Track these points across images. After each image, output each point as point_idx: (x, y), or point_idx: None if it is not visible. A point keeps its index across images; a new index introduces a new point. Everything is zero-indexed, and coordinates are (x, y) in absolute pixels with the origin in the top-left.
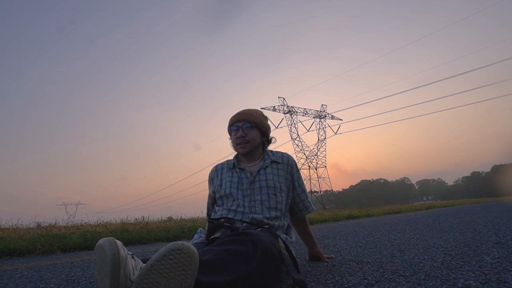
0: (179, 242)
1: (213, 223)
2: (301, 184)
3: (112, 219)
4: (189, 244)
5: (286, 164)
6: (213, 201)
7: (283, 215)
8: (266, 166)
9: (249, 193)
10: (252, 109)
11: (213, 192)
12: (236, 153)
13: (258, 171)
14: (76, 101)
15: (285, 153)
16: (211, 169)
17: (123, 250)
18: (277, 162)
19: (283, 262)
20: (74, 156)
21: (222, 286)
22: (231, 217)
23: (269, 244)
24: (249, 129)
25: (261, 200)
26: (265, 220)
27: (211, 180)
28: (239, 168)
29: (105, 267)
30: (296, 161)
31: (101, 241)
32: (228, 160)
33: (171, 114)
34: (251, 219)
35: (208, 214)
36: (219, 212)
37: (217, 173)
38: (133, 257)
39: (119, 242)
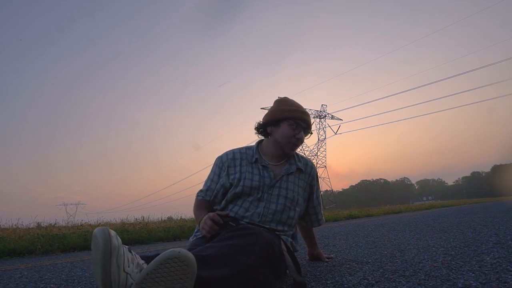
0: (176, 249)
1: (219, 224)
2: (318, 196)
3: (112, 219)
4: (186, 252)
5: (309, 174)
6: (223, 190)
7: (291, 227)
8: (291, 173)
9: (266, 198)
10: None
11: (230, 184)
12: (255, 144)
13: (281, 176)
14: (75, 101)
15: (310, 161)
16: (225, 152)
17: (116, 240)
18: (300, 171)
19: (284, 261)
20: (74, 156)
21: (222, 280)
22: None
23: (271, 241)
24: (307, 135)
25: (275, 210)
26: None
27: (227, 167)
28: (261, 165)
29: (97, 254)
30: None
31: (95, 230)
32: (246, 149)
33: (171, 114)
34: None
35: (208, 195)
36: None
37: (235, 163)
38: (130, 251)
39: (112, 232)
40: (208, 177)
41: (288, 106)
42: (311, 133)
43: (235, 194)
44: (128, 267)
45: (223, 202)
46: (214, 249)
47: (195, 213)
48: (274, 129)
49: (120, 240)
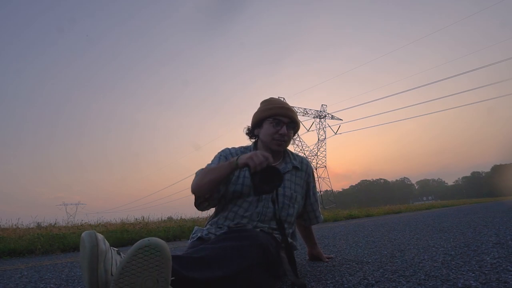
0: (146, 239)
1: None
2: (315, 193)
3: (112, 219)
4: (156, 239)
5: (305, 172)
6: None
7: (290, 224)
8: (287, 171)
9: (264, 198)
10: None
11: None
12: (252, 144)
13: None
14: (75, 101)
15: (305, 158)
16: (226, 148)
17: (104, 244)
18: (297, 168)
19: (281, 263)
20: (74, 156)
21: (216, 281)
22: (243, 222)
23: (267, 243)
24: (292, 129)
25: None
26: (270, 231)
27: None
28: None
29: (84, 259)
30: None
31: (83, 234)
32: (244, 148)
33: (171, 114)
34: (254, 227)
35: None
36: (225, 213)
37: None
38: (119, 253)
39: (100, 235)
40: (212, 162)
41: (268, 105)
42: (298, 126)
43: (235, 192)
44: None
45: (222, 201)
46: (208, 251)
47: (209, 170)
48: (259, 130)
49: (107, 243)
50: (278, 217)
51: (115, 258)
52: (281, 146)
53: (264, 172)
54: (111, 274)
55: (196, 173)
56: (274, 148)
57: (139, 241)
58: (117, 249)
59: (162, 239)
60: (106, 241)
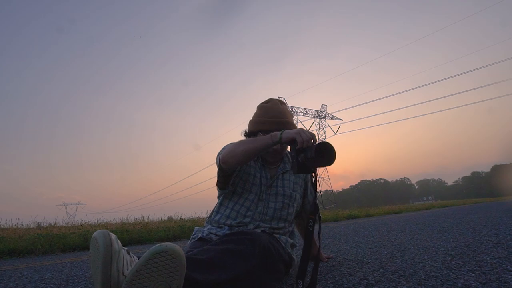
0: (163, 244)
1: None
2: (313, 192)
3: (112, 219)
4: (173, 245)
5: None
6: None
7: (290, 223)
8: (286, 171)
9: (265, 198)
10: (287, 109)
11: (238, 170)
12: None
13: (277, 176)
14: (75, 101)
15: None
16: (228, 144)
17: (117, 243)
18: None
19: (282, 263)
20: (74, 156)
21: (218, 284)
22: (244, 221)
23: (268, 245)
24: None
25: (275, 208)
26: (271, 231)
27: None
28: (260, 163)
29: (97, 259)
30: None
31: (95, 233)
32: None
33: (170, 114)
34: (256, 227)
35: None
36: (226, 212)
37: None
38: (128, 253)
39: (113, 235)
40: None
41: (262, 117)
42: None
43: (237, 188)
44: (127, 270)
45: (226, 200)
46: (211, 253)
47: (245, 140)
48: None
49: (120, 243)
50: (316, 201)
51: (125, 258)
52: (275, 157)
53: (316, 150)
54: (123, 274)
55: (223, 147)
56: (270, 160)
57: (156, 245)
58: (126, 249)
59: (162, 239)
60: (119, 241)
